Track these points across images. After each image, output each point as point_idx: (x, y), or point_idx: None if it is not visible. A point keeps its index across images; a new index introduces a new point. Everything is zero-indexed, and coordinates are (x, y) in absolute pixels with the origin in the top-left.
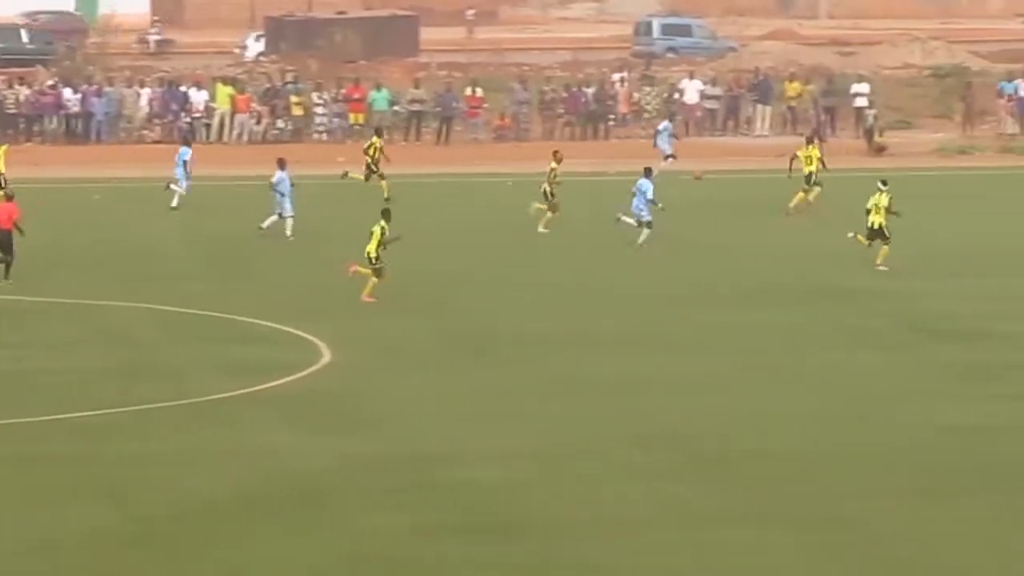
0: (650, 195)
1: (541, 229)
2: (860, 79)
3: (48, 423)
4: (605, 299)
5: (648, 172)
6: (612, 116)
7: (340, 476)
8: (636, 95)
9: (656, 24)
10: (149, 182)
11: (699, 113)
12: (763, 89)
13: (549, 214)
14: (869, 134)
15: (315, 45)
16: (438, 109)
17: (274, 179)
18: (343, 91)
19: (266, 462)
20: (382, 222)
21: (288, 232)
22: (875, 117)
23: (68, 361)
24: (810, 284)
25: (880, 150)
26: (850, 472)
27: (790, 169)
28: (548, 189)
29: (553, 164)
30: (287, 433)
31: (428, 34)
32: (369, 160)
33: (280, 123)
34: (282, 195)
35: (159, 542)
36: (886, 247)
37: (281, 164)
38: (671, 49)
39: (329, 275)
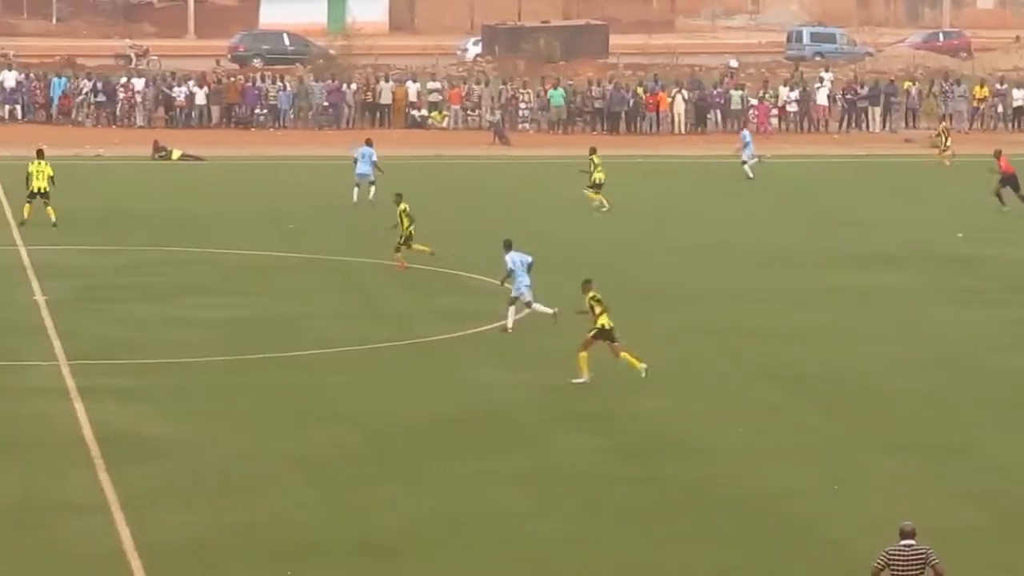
0: None
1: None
2: None
3: (291, 359)
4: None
5: None
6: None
7: (535, 405)
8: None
9: (806, 32)
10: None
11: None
12: (877, 93)
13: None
14: None
15: (523, 48)
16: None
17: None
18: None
19: (475, 392)
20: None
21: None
22: None
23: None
24: (918, 252)
25: None
26: (961, 409)
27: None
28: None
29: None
30: (492, 369)
31: (616, 40)
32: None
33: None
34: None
35: (392, 455)
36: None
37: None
38: (818, 54)
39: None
